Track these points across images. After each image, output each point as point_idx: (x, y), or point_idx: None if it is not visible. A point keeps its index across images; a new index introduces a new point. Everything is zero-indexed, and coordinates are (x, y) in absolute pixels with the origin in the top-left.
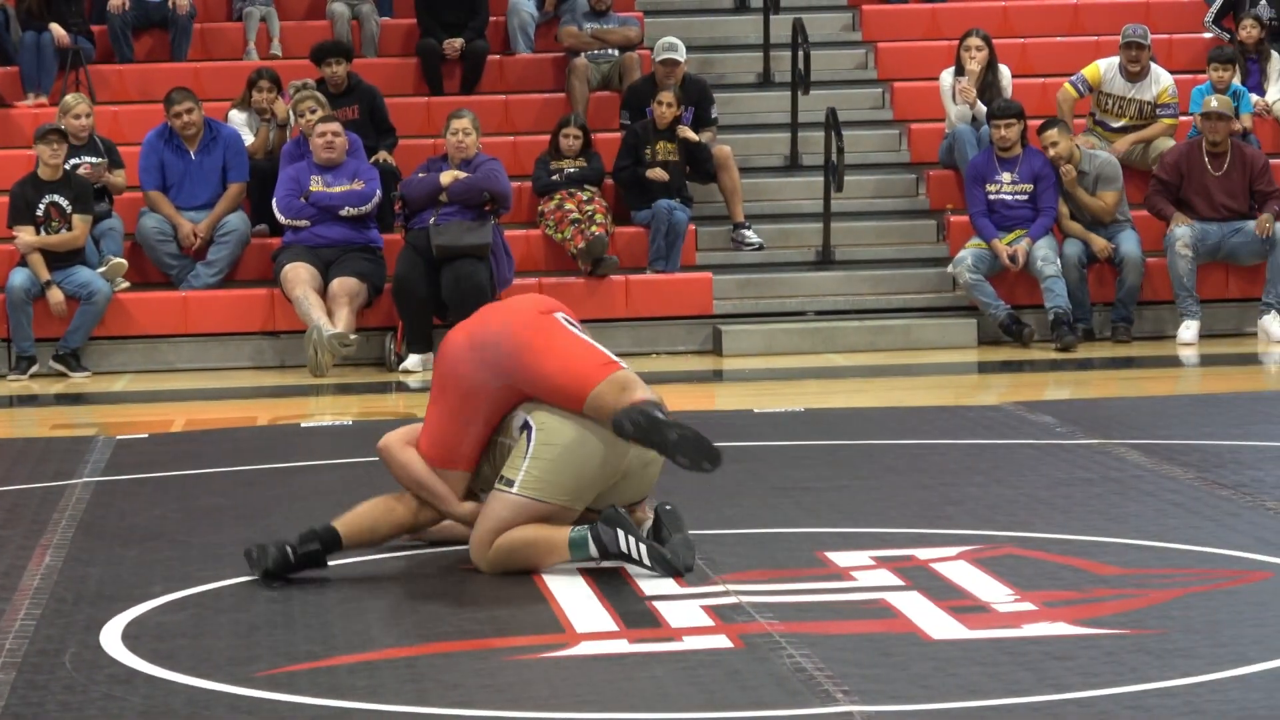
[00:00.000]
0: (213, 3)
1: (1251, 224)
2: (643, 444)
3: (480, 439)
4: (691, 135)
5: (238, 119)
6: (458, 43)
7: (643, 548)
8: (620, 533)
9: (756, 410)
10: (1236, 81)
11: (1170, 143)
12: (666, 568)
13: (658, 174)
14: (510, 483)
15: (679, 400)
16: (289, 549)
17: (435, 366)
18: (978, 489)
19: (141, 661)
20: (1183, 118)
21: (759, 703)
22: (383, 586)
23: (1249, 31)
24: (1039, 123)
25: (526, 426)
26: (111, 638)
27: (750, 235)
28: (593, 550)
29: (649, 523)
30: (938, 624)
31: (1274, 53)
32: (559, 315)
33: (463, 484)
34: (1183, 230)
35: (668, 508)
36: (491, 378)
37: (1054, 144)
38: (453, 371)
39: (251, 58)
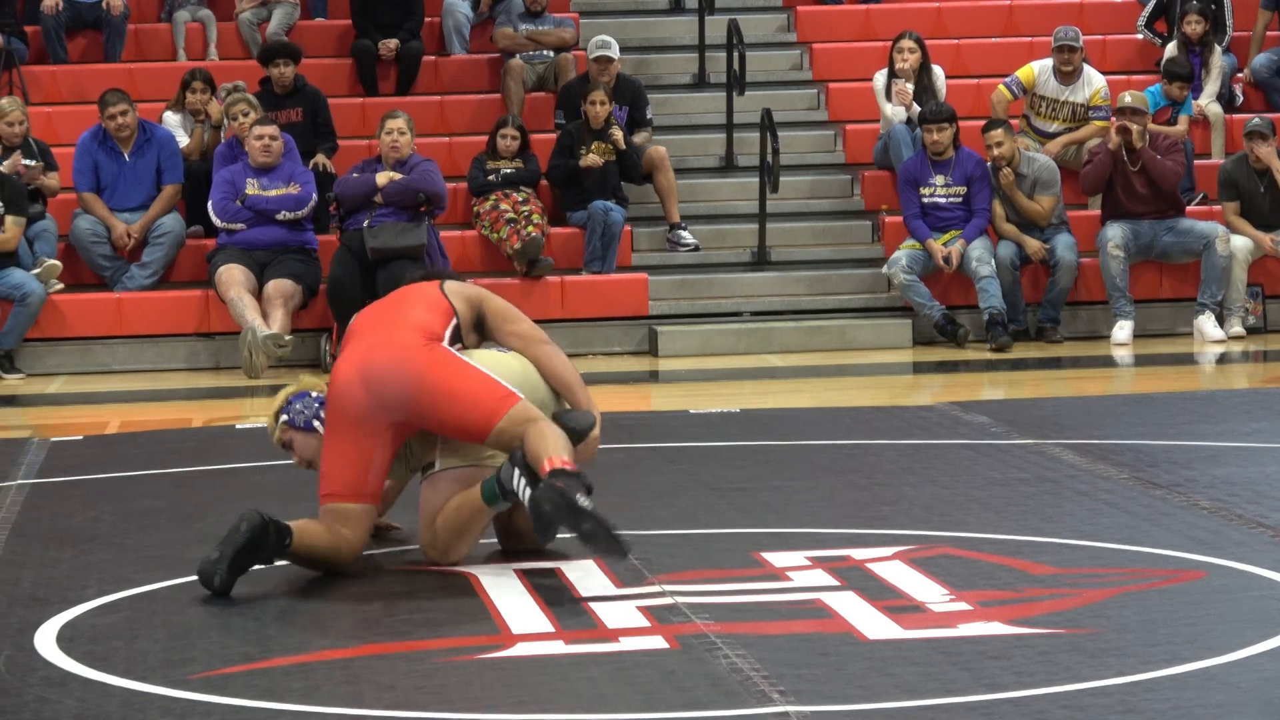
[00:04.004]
0: (146, 4)
1: (1184, 222)
2: (555, 523)
3: (383, 471)
4: (620, 141)
5: (172, 120)
6: (393, 44)
7: (528, 491)
8: (515, 471)
9: (692, 411)
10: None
11: None
12: (543, 521)
13: (592, 160)
14: (432, 465)
15: (615, 401)
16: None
17: (329, 403)
18: (913, 489)
19: (76, 664)
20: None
21: (695, 703)
22: (317, 588)
23: (1194, 27)
24: (971, 124)
25: None
26: (45, 641)
27: (686, 236)
28: (497, 491)
29: None
30: (873, 624)
31: (1217, 47)
32: (446, 345)
33: (369, 520)
34: (1114, 230)
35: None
36: (388, 414)
37: (998, 144)
38: (347, 411)
39: (181, 59)
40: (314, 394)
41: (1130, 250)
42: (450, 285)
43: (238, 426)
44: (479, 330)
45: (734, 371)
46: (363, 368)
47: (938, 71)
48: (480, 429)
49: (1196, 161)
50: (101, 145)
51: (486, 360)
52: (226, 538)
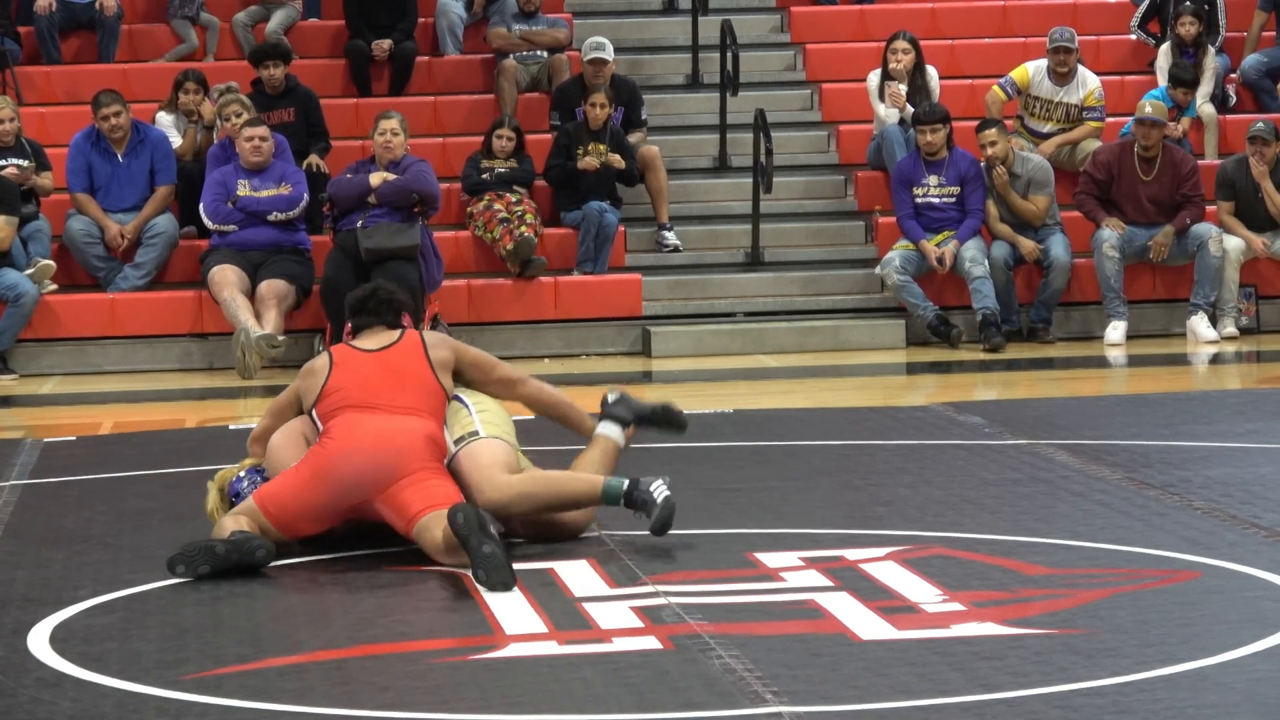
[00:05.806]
0: (140, 4)
1: None
2: (460, 539)
3: (315, 531)
4: (621, 162)
5: (165, 121)
6: (386, 44)
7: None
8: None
9: (685, 412)
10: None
11: (1097, 144)
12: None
13: (589, 164)
14: (475, 433)
15: None
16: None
17: (325, 449)
18: (906, 489)
19: (70, 665)
20: (1109, 119)
21: (689, 704)
22: (311, 589)
23: (1187, 28)
24: (965, 125)
25: (459, 398)
26: (39, 641)
27: (670, 237)
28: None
29: None
30: (867, 625)
31: (1210, 47)
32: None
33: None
34: (1109, 232)
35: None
36: (370, 490)
37: (992, 144)
38: (342, 472)
39: (179, 58)
40: (242, 473)
41: (1125, 251)
42: (432, 350)
43: (231, 427)
44: (459, 381)
45: (728, 372)
46: (375, 450)
47: (932, 72)
48: (413, 519)
49: None
50: (95, 146)
51: (492, 413)
52: (234, 546)
